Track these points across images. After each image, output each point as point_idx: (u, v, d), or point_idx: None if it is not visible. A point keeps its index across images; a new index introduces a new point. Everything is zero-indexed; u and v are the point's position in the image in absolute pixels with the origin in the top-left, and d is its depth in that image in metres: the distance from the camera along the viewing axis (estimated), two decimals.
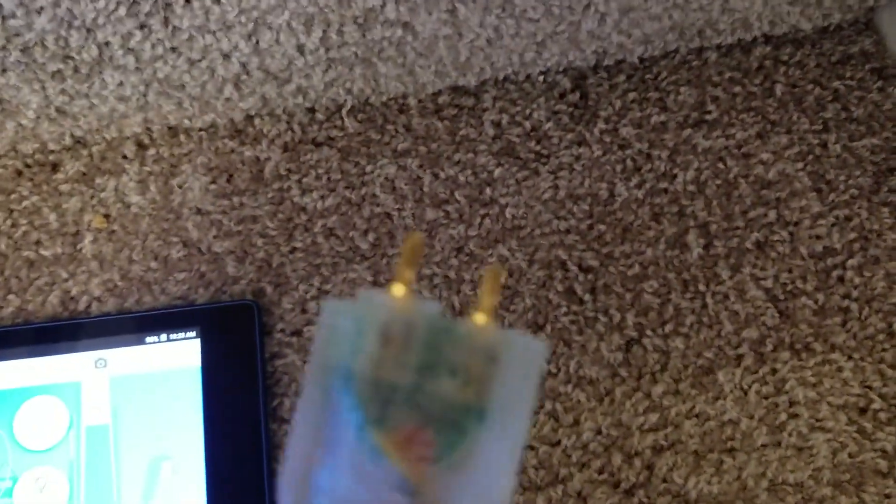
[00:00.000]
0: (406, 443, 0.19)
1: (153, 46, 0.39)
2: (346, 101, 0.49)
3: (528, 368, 0.20)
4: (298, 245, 0.47)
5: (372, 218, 0.47)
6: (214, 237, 0.47)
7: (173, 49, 0.40)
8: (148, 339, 0.44)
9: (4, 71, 0.39)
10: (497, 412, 0.20)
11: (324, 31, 0.40)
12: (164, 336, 0.44)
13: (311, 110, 0.49)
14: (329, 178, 0.48)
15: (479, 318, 0.21)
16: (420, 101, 0.50)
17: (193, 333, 0.44)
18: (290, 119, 0.49)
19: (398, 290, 0.20)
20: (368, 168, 0.48)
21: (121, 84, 0.42)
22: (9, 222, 0.47)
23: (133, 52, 0.39)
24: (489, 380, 0.19)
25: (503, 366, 0.20)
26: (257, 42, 0.40)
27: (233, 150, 0.49)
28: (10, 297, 0.46)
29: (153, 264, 0.47)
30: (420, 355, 0.19)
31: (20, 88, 0.41)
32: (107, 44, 0.38)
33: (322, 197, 0.48)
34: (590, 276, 0.46)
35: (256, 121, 0.49)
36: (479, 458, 0.19)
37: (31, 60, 0.39)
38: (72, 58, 0.39)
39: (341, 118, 0.49)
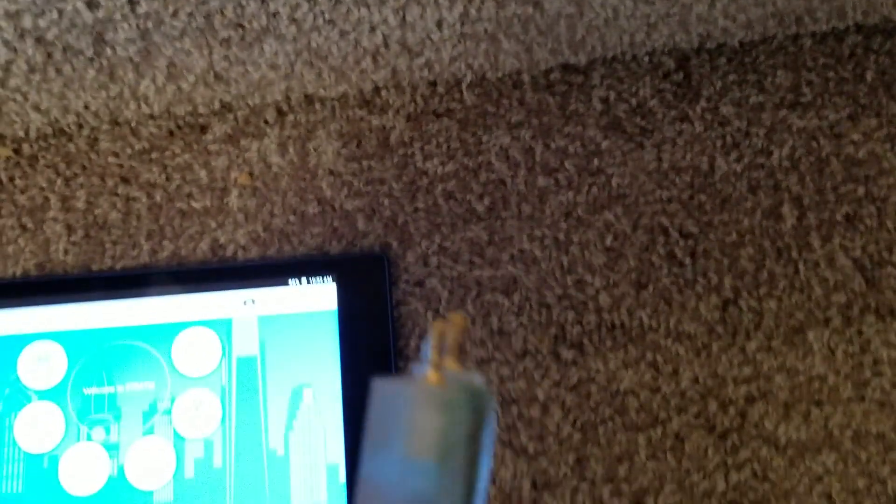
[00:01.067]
0: None
1: (314, 17, 0.44)
2: (465, 75, 0.53)
3: (475, 414, 0.22)
4: (420, 205, 0.52)
5: (487, 183, 0.52)
6: (346, 196, 0.52)
7: (330, 21, 0.45)
8: (290, 283, 0.49)
9: (182, 36, 0.44)
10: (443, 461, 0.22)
11: (465, 7, 0.45)
12: (304, 280, 0.49)
13: (433, 84, 0.54)
14: (448, 146, 0.53)
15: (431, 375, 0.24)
16: (533, 77, 0.54)
17: (330, 279, 0.49)
18: (414, 91, 0.54)
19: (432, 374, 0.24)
20: (485, 138, 0.53)
21: (276, 53, 0.47)
22: (163, 177, 0.53)
23: (296, 22, 0.44)
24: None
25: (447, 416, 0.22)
26: (404, 16, 0.45)
27: (362, 119, 0.54)
28: (165, 242, 0.51)
29: (291, 218, 0.52)
30: None
31: (191, 53, 0.46)
32: (276, 14, 0.44)
33: (442, 163, 0.53)
34: (690, 242, 0.51)
35: (383, 92, 0.54)
36: None
37: (209, 27, 0.44)
38: (242, 26, 0.45)
39: (460, 91, 0.54)
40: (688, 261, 0.50)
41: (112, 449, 0.46)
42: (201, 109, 0.53)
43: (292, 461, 0.46)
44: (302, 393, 0.47)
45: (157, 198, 0.52)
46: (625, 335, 0.49)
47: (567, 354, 0.49)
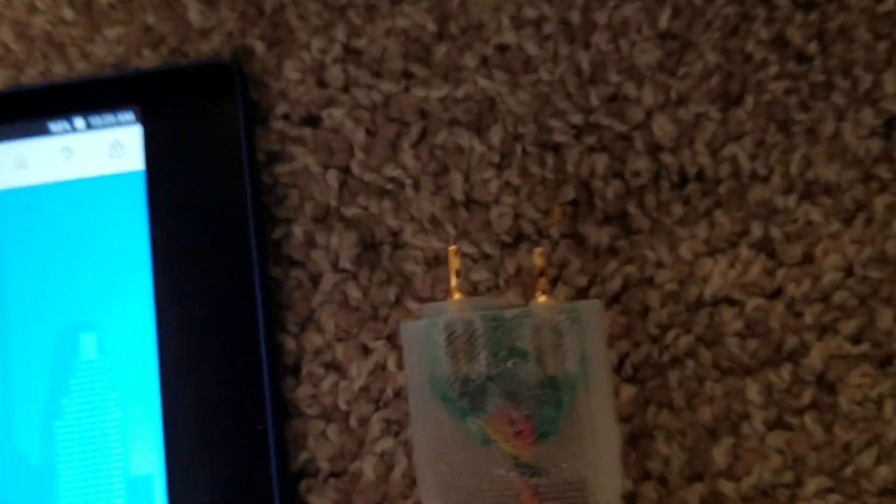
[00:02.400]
0: (505, 425, 0.21)
1: None
2: None
3: (595, 330, 0.21)
4: None
5: None
6: None
7: None
8: (54, 128, 0.25)
9: None
10: (579, 377, 0.21)
11: None
12: (81, 122, 0.25)
13: None
14: None
15: (538, 299, 0.22)
16: None
17: (130, 117, 0.25)
18: None
19: (455, 297, 0.22)
20: None
21: None
22: None
23: None
24: (562, 352, 0.21)
25: (570, 336, 0.21)
26: None
27: None
28: None
29: (68, 14, 0.28)
30: (489, 347, 0.21)
31: None
32: None
33: None
34: (814, 15, 0.27)
35: None
36: (581, 425, 0.21)
37: None
38: None
39: None
40: (814, 48, 0.26)
41: None
42: None
43: (59, 470, 0.23)
44: (78, 341, 0.24)
45: None
46: (707, 194, 0.26)
47: (599, 237, 0.25)
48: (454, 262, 0.22)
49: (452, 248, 0.22)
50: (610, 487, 0.21)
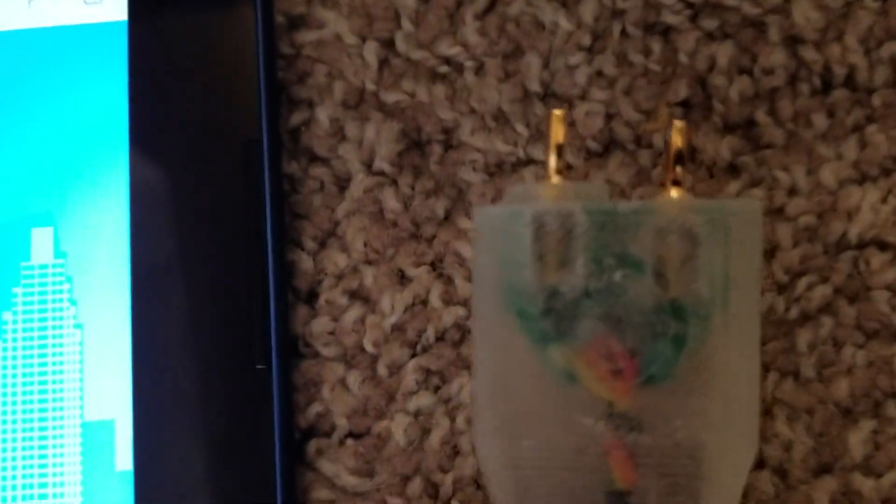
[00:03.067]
0: (602, 359, 0.15)
1: None
2: None
3: (746, 242, 0.15)
4: None
5: None
6: None
7: None
8: None
9: None
10: (715, 305, 0.15)
11: None
12: None
13: None
14: None
15: (668, 192, 0.16)
16: None
17: None
18: None
19: (552, 180, 0.16)
20: None
21: None
22: None
23: None
24: (694, 268, 0.15)
25: (709, 246, 0.15)
26: None
27: None
28: None
29: None
30: (590, 251, 0.15)
31: None
32: None
33: None
34: None
35: None
36: (709, 371, 0.15)
37: None
38: None
39: None
40: None
41: None
42: None
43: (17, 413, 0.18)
44: (29, 239, 0.18)
45: None
46: (858, 104, 0.20)
47: (717, 150, 0.20)
48: (557, 131, 0.16)
49: (557, 112, 0.16)
50: (740, 460, 0.15)
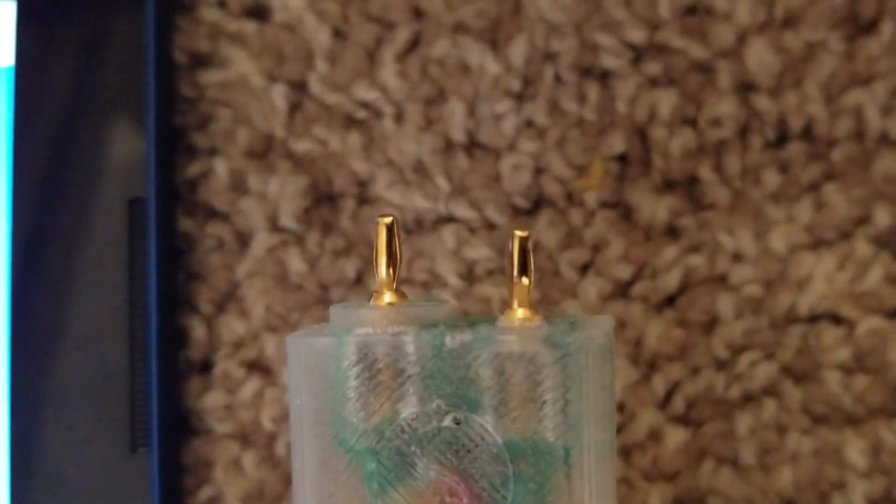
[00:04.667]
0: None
1: None
2: None
3: (597, 369, 0.13)
4: None
5: None
6: None
7: None
8: None
9: None
10: (563, 447, 0.13)
11: None
12: None
13: None
14: None
15: (513, 312, 0.14)
16: None
17: None
18: None
19: (380, 299, 0.14)
20: None
21: None
22: None
23: None
24: (537, 403, 0.13)
25: (553, 378, 0.13)
26: None
27: None
28: None
29: None
30: (421, 387, 0.13)
31: None
32: None
33: None
34: None
35: None
36: None
37: None
38: None
39: None
40: None
41: None
42: None
43: None
44: None
45: None
46: (816, 159, 0.18)
47: (655, 210, 0.18)
48: (384, 238, 0.14)
49: (385, 218, 0.14)
50: None
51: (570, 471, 0.13)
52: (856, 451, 0.17)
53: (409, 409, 0.13)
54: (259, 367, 0.18)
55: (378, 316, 0.14)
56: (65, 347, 0.17)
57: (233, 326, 0.18)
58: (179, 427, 0.17)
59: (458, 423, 0.13)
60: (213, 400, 0.18)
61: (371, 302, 0.14)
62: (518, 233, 0.14)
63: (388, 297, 0.14)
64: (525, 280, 0.13)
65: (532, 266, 0.13)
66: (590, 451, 0.13)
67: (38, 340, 0.17)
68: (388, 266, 0.14)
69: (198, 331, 0.18)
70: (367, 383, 0.13)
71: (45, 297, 0.17)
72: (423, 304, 0.14)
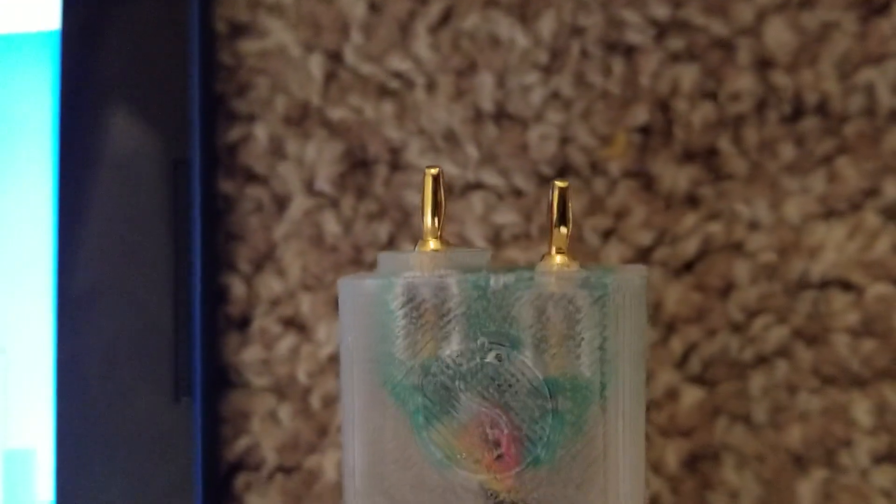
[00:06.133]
0: (480, 440, 0.14)
1: None
2: None
3: (631, 314, 0.14)
4: None
5: None
6: None
7: None
8: None
9: None
10: (597, 384, 0.14)
11: None
12: None
13: None
14: None
15: (552, 258, 0.15)
16: None
17: None
18: None
19: (426, 245, 0.15)
20: None
21: None
22: None
23: None
24: (575, 343, 0.14)
25: (591, 319, 0.14)
26: None
27: None
28: None
29: None
30: (464, 325, 0.14)
31: None
32: None
33: None
34: None
35: None
36: (593, 455, 0.14)
37: None
38: None
39: None
40: None
41: None
42: None
43: None
44: None
45: None
46: (829, 133, 0.19)
47: (675, 180, 0.19)
48: (430, 189, 0.15)
49: (432, 170, 0.15)
50: None
51: (605, 405, 0.14)
52: (862, 410, 0.18)
53: (453, 346, 0.14)
54: (295, 324, 0.19)
55: (424, 260, 0.14)
56: (111, 303, 0.17)
57: (270, 285, 0.19)
58: (219, 380, 0.18)
59: (500, 360, 0.14)
60: (251, 354, 0.19)
61: (416, 248, 0.15)
62: (558, 183, 0.14)
63: (432, 244, 0.15)
64: (563, 228, 0.14)
65: (570, 216, 0.14)
66: (623, 388, 0.14)
67: (86, 296, 0.17)
68: (433, 215, 0.15)
69: (237, 288, 0.19)
70: (414, 322, 0.14)
71: (92, 254, 0.18)
72: (465, 250, 0.15)
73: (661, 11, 0.19)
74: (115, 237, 0.18)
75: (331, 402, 0.19)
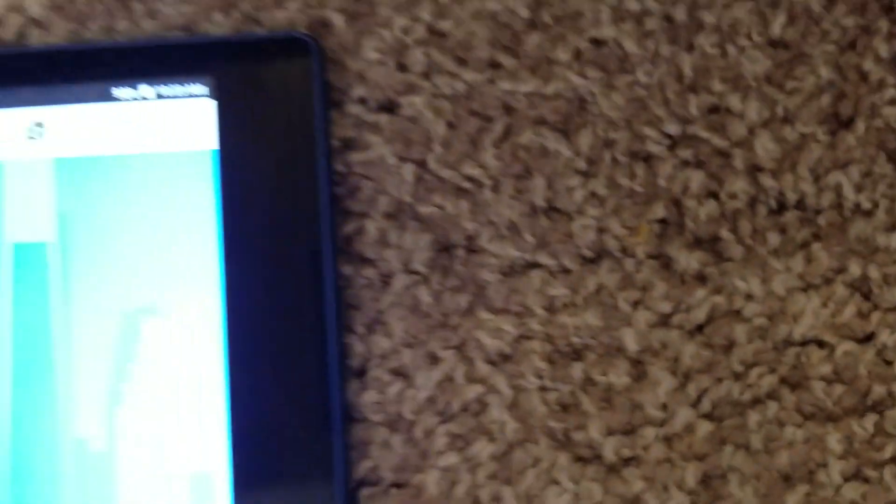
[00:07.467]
0: None
1: None
2: None
3: None
4: None
5: None
6: None
7: None
8: (119, 94, 0.24)
9: None
10: None
11: None
12: (149, 89, 0.24)
13: None
14: None
15: None
16: None
17: (203, 89, 0.24)
18: None
19: None
20: None
21: None
22: None
23: None
24: None
25: None
26: None
27: None
28: None
29: None
30: None
31: None
32: None
33: None
34: None
35: None
36: None
37: None
38: None
39: None
40: None
41: None
42: None
43: (119, 460, 0.23)
44: (139, 325, 0.23)
45: None
46: (806, 224, 0.24)
47: (688, 261, 0.24)
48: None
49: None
50: None
51: None
52: (834, 440, 0.24)
53: None
54: (400, 373, 0.24)
55: None
56: (272, 364, 0.23)
57: (380, 343, 0.24)
58: (347, 417, 0.24)
59: None
60: (368, 397, 0.24)
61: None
62: None
63: None
64: None
65: None
66: None
67: (253, 367, 0.23)
68: None
69: (356, 346, 0.24)
70: None
71: (256, 327, 0.23)
72: None
73: (674, 128, 0.25)
74: (271, 308, 0.23)
75: (429, 434, 0.24)
